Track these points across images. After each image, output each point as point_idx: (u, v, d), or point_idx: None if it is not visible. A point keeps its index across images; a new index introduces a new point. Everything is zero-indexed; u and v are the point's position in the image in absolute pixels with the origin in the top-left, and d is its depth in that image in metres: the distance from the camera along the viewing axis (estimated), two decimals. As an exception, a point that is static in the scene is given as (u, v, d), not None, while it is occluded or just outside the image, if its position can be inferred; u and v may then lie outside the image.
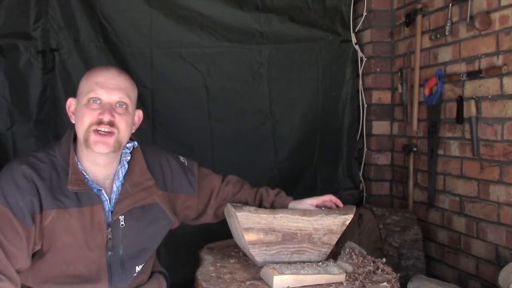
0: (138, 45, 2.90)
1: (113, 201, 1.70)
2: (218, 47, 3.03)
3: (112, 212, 1.68)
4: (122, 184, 1.72)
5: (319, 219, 1.77)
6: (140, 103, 2.81)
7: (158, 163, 1.84)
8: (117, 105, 1.66)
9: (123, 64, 2.83)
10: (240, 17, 3.05)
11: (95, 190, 1.65)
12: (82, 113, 1.64)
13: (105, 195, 1.69)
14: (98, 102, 1.64)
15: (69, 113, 1.73)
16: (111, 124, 1.63)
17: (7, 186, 1.58)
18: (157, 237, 1.83)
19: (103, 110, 1.62)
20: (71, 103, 1.73)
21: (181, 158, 1.93)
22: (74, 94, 1.76)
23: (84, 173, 1.67)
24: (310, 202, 1.91)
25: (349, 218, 1.80)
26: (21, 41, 2.71)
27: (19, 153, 2.67)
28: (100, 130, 1.62)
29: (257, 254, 1.77)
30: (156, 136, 2.94)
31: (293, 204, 1.93)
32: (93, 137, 1.62)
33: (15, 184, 1.58)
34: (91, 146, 1.62)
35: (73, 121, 1.71)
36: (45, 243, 1.62)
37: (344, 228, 1.81)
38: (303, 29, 3.17)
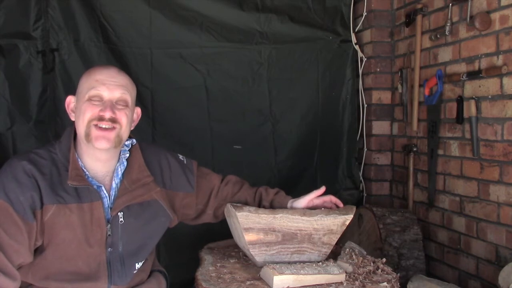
0: (138, 45, 2.90)
1: (112, 197, 1.71)
2: (218, 47, 3.03)
3: (111, 208, 1.69)
4: (121, 181, 1.73)
5: (319, 219, 1.77)
6: (140, 103, 2.81)
7: (157, 160, 1.85)
8: (118, 102, 1.67)
9: (123, 64, 2.83)
10: (240, 17, 3.05)
11: (95, 186, 1.67)
12: (83, 109, 1.65)
13: (105, 191, 1.70)
14: (99, 99, 1.65)
15: (68, 111, 1.75)
16: (113, 120, 1.64)
17: (7, 181, 1.58)
18: (156, 233, 1.83)
19: (104, 107, 1.64)
20: (70, 100, 1.74)
21: (180, 157, 1.94)
22: (74, 94, 1.76)
23: (84, 170, 1.68)
24: (309, 198, 1.90)
25: (349, 218, 1.80)
26: (21, 41, 2.71)
27: (19, 153, 2.67)
28: (101, 126, 1.63)
29: (257, 254, 1.77)
30: (156, 136, 2.94)
31: (293, 202, 1.92)
32: (94, 132, 1.63)
33: (15, 180, 1.59)
34: (92, 141, 1.63)
35: (72, 119, 1.72)
36: (45, 238, 1.62)
37: (344, 228, 1.81)
38: (303, 29, 3.17)
